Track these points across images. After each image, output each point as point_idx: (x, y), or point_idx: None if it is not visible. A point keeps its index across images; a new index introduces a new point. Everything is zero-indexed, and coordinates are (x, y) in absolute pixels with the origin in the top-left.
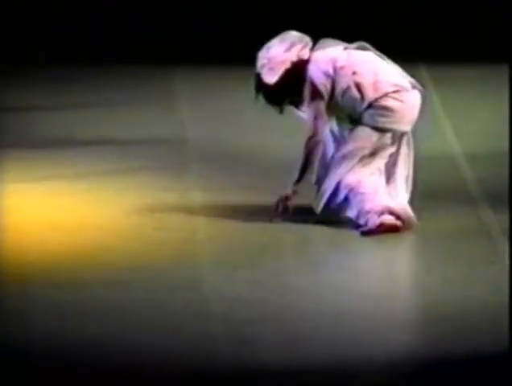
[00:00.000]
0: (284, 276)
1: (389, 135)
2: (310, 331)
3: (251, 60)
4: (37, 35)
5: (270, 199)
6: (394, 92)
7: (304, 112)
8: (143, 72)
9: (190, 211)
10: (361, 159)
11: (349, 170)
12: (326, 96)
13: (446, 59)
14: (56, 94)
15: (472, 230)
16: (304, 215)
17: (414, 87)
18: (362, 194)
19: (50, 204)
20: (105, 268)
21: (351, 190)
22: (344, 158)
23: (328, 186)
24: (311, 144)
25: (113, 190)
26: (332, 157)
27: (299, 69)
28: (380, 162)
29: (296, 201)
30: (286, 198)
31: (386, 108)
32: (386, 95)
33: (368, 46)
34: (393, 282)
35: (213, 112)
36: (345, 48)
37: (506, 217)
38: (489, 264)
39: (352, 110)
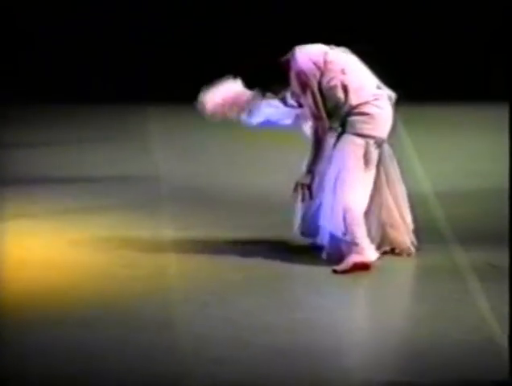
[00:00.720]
0: (255, 313)
1: (372, 143)
2: (283, 368)
3: None
4: (9, 73)
5: (240, 236)
6: (375, 99)
7: (294, 105)
8: (116, 111)
9: (160, 248)
10: (354, 177)
11: (343, 194)
12: (315, 84)
13: (416, 98)
14: (28, 132)
15: (443, 268)
16: (275, 251)
17: (389, 97)
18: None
19: (18, 243)
20: (74, 306)
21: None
22: (337, 180)
23: (325, 208)
24: (320, 131)
25: (83, 228)
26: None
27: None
28: (369, 176)
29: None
30: (306, 185)
31: (366, 114)
32: (367, 102)
33: (350, 52)
34: (362, 320)
35: (185, 151)
36: (331, 49)
37: (476, 255)
38: (459, 302)
39: (333, 107)
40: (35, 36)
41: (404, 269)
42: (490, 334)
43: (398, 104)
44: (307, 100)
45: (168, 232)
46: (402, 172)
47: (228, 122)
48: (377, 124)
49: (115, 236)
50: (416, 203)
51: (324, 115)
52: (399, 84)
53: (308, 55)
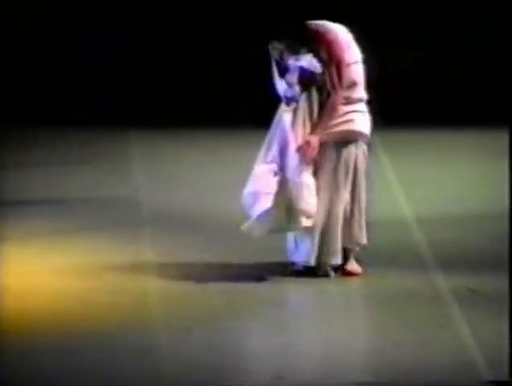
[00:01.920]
0: (239, 338)
1: (353, 145)
2: None
3: (203, 124)
4: None
5: (223, 260)
6: (361, 102)
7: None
8: (97, 135)
9: (142, 273)
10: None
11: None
12: (342, 58)
13: (397, 124)
14: (9, 154)
15: (424, 293)
16: (257, 276)
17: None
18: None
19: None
20: (55, 332)
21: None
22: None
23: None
24: (336, 102)
25: (64, 253)
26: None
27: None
28: (348, 181)
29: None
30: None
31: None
32: (361, 100)
33: None
34: (344, 344)
35: (167, 175)
36: None
37: (456, 280)
38: (440, 328)
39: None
40: (15, 60)
41: (384, 293)
42: (470, 359)
43: (379, 129)
44: (332, 69)
45: (150, 256)
46: (383, 197)
47: (209, 146)
48: (359, 124)
49: (96, 260)
50: (397, 228)
51: (342, 88)
52: (381, 109)
53: (340, 30)
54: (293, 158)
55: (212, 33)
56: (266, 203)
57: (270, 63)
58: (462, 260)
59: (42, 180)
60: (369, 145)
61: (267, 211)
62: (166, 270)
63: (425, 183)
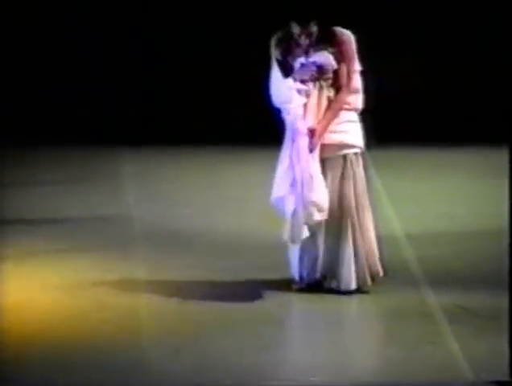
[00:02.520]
0: (229, 356)
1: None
2: None
3: (199, 141)
4: None
5: (213, 278)
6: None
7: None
8: (91, 153)
9: (133, 290)
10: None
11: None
12: (352, 62)
13: (388, 142)
14: (2, 173)
15: (414, 310)
16: (248, 293)
17: None
18: None
19: None
20: (46, 349)
21: None
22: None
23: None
24: (345, 100)
25: (55, 271)
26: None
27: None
28: None
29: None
30: None
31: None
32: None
33: None
34: (335, 361)
35: (158, 192)
36: None
37: (446, 297)
38: (430, 345)
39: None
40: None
41: (375, 310)
42: (460, 376)
43: (371, 146)
44: (343, 68)
45: (141, 273)
46: (374, 214)
47: (203, 164)
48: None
49: (87, 278)
50: (387, 245)
51: (349, 89)
52: (372, 127)
53: (352, 37)
54: (303, 151)
55: (209, 46)
56: (291, 203)
57: (268, 68)
58: (453, 277)
59: (32, 200)
60: (364, 158)
61: (295, 212)
62: (157, 287)
63: (416, 200)
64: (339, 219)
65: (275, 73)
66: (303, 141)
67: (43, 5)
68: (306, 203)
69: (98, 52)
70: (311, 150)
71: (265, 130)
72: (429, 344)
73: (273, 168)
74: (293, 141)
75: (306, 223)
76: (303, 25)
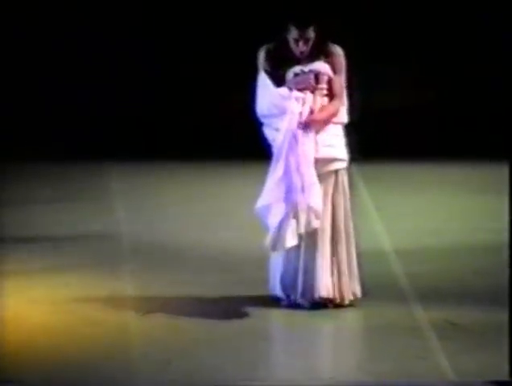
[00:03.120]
0: (218, 371)
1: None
2: None
3: (184, 157)
4: None
5: (201, 293)
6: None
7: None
8: (78, 170)
9: (121, 306)
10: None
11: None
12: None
13: (377, 157)
14: None
15: (403, 325)
16: (236, 308)
17: None
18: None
19: None
20: (33, 364)
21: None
22: None
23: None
24: (339, 109)
25: (44, 287)
26: None
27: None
28: None
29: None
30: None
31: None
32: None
33: None
34: (323, 376)
35: (146, 209)
36: None
37: (435, 312)
38: (419, 360)
39: None
40: None
41: (363, 325)
42: None
43: (359, 161)
44: (338, 79)
45: (129, 289)
46: (363, 229)
47: (188, 180)
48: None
49: (76, 294)
50: (376, 260)
51: (342, 99)
52: (361, 141)
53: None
54: (304, 157)
55: (200, 59)
56: (279, 212)
57: (255, 82)
58: (442, 293)
59: (20, 217)
60: (349, 174)
61: (282, 220)
62: (144, 302)
63: (406, 215)
64: (329, 232)
65: (264, 84)
66: (303, 148)
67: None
68: (306, 209)
69: (84, 69)
70: (305, 128)
71: (250, 144)
72: (418, 359)
73: (260, 181)
74: (291, 148)
75: (304, 230)
76: (302, 29)
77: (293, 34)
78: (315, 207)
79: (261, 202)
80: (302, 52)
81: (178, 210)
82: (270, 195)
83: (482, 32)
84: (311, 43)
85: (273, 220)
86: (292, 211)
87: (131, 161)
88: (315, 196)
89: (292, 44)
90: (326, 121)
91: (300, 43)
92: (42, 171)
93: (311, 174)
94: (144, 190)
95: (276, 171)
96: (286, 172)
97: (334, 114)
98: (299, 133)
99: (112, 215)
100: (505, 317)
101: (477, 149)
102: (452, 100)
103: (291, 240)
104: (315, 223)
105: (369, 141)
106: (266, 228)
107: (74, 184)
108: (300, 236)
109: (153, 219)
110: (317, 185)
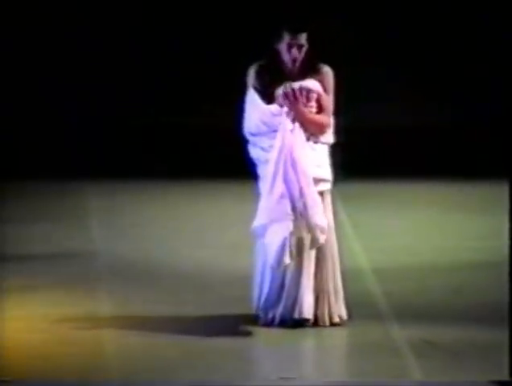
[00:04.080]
0: None
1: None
2: None
3: (161, 175)
4: None
5: (178, 312)
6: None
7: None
8: (55, 188)
9: (97, 325)
10: None
11: None
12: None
13: (354, 176)
14: None
15: (379, 344)
16: (212, 327)
17: None
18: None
19: None
20: (9, 384)
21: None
22: None
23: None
24: (327, 127)
25: (19, 306)
26: None
27: None
28: None
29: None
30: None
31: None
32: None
33: None
34: None
35: (122, 227)
36: None
37: (412, 331)
38: (396, 379)
39: None
40: None
41: (340, 344)
42: None
43: (337, 180)
44: (325, 98)
45: (106, 308)
46: (340, 248)
47: (164, 199)
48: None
49: (52, 313)
50: (353, 279)
51: (331, 118)
52: (341, 161)
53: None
54: (304, 176)
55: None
56: (281, 230)
57: (242, 98)
58: (418, 311)
59: (0, 235)
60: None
61: (285, 239)
62: (122, 322)
63: (383, 234)
64: (315, 253)
65: (252, 101)
66: (302, 166)
67: None
68: (313, 227)
69: (60, 87)
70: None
71: (228, 163)
72: (395, 378)
73: (239, 200)
74: (289, 166)
75: (312, 247)
76: (295, 35)
77: (286, 39)
78: (320, 224)
79: (259, 221)
80: (294, 60)
81: (154, 229)
82: (269, 213)
83: (470, 53)
84: (304, 50)
85: (273, 239)
86: (296, 229)
87: (106, 179)
88: (319, 213)
89: (285, 53)
90: (311, 122)
91: (293, 50)
92: (15, 190)
93: (312, 191)
94: (120, 208)
95: (275, 189)
96: (286, 191)
97: (321, 124)
98: (296, 150)
99: (88, 233)
100: (483, 335)
101: (463, 169)
102: (430, 120)
103: (289, 258)
104: (322, 239)
105: (347, 161)
106: (265, 245)
107: (49, 202)
108: (291, 254)
109: (129, 238)
110: (320, 202)
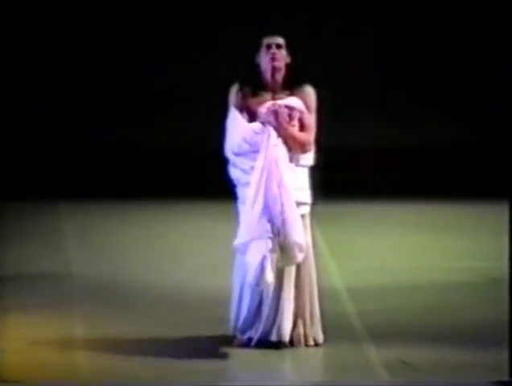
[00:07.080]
0: None
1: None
2: None
3: (136, 196)
4: None
5: (153, 334)
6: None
7: None
8: (28, 208)
9: (72, 347)
10: None
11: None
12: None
13: (329, 197)
14: None
15: (354, 364)
16: (188, 348)
17: None
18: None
19: None
20: None
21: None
22: None
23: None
24: (310, 146)
25: None
26: None
27: None
28: None
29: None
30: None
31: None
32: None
33: None
34: None
35: (98, 248)
36: None
37: (387, 351)
38: (393, 377)
39: None
40: None
41: (316, 365)
42: None
43: (313, 203)
44: (307, 117)
45: (80, 330)
46: (317, 267)
47: (142, 219)
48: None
49: (24, 335)
50: (328, 299)
51: (312, 137)
52: (315, 183)
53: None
54: (287, 197)
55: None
56: (261, 248)
57: (223, 118)
58: (393, 331)
59: None
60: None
61: (264, 258)
62: (95, 343)
63: (358, 254)
64: (294, 275)
65: (234, 120)
66: (284, 181)
67: None
68: (291, 245)
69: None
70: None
71: (206, 183)
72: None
73: (215, 221)
74: (270, 185)
75: (289, 264)
76: (273, 36)
77: (264, 42)
78: (299, 242)
79: (240, 239)
80: (273, 59)
81: (130, 249)
82: (249, 231)
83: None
84: (283, 51)
85: (254, 257)
86: (275, 246)
87: (81, 200)
88: (298, 231)
89: (264, 56)
90: (294, 139)
91: (272, 49)
92: None
93: (293, 209)
94: (95, 229)
95: (256, 206)
96: (267, 208)
97: (303, 141)
98: (280, 164)
99: (62, 254)
100: (456, 355)
101: (441, 189)
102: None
103: (272, 276)
104: (300, 257)
105: (324, 181)
106: (248, 263)
107: (22, 223)
108: (270, 274)
109: (104, 258)
110: (300, 220)
